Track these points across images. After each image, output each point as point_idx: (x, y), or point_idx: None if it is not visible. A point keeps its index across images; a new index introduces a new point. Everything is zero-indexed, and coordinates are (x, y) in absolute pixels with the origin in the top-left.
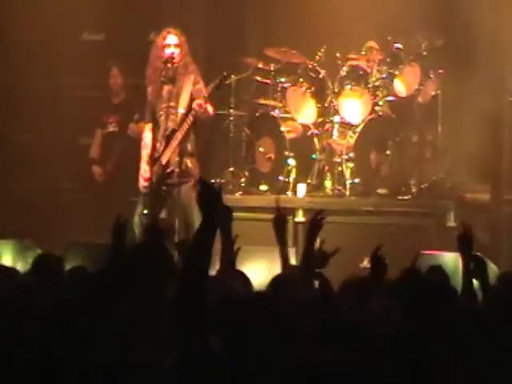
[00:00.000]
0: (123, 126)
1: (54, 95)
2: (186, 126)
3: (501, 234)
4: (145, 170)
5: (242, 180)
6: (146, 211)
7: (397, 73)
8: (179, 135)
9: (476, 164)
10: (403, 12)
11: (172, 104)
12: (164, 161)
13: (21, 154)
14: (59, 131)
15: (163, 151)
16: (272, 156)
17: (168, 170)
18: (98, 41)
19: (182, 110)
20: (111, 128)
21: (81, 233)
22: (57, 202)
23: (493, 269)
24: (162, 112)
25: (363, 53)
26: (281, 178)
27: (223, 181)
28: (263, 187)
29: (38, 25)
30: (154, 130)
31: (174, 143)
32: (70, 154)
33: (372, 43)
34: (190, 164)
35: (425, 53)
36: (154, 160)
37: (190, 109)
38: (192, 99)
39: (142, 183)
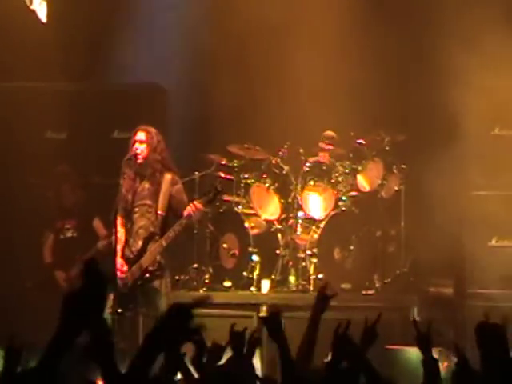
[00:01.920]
0: (81, 231)
1: (20, 194)
2: (172, 234)
3: (464, 328)
4: (121, 263)
5: (206, 276)
6: (120, 310)
7: (360, 168)
8: (164, 242)
9: (439, 258)
10: (366, 107)
11: (148, 202)
12: (145, 264)
13: None
14: (24, 229)
15: (141, 252)
16: (236, 252)
17: (147, 275)
18: (61, 139)
19: (160, 212)
20: (69, 234)
21: (46, 333)
22: (20, 301)
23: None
24: (137, 209)
25: (326, 148)
26: (245, 273)
27: (187, 277)
28: (227, 283)
29: (2, 123)
30: (126, 226)
31: (157, 248)
32: (36, 254)
33: (330, 133)
34: (163, 261)
35: (387, 148)
36: (128, 260)
37: (166, 209)
38: (171, 200)
39: (120, 276)
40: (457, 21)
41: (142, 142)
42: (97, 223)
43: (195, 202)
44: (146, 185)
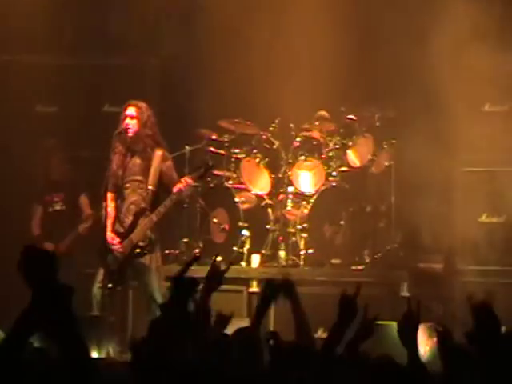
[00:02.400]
0: (69, 204)
1: (9, 167)
2: (163, 210)
3: (454, 304)
4: (112, 237)
5: (197, 251)
6: (110, 284)
7: (350, 143)
8: (155, 217)
9: (429, 234)
10: (356, 83)
11: (139, 178)
12: (135, 240)
13: None
14: (10, 202)
15: (132, 227)
16: (226, 227)
17: (137, 250)
18: (51, 112)
19: (151, 187)
20: (58, 207)
21: None
22: (8, 273)
23: None
24: (128, 185)
25: (316, 123)
26: (235, 248)
27: (177, 251)
28: (218, 258)
29: None
30: (116, 202)
31: (148, 224)
32: (21, 226)
33: (323, 113)
34: (153, 236)
35: (378, 123)
36: (119, 234)
37: (157, 185)
38: (162, 176)
39: (116, 247)
40: None
41: (132, 117)
42: (83, 200)
43: (186, 178)
44: (137, 160)
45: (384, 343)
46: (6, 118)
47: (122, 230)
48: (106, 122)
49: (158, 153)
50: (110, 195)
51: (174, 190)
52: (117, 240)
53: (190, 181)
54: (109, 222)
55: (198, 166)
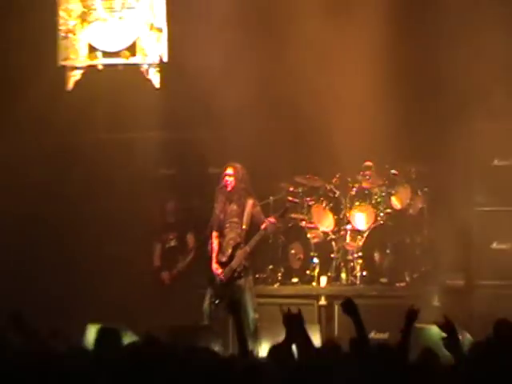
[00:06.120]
0: (181, 241)
1: (139, 215)
2: (254, 243)
3: (473, 313)
4: (216, 267)
5: (279, 274)
6: (217, 301)
7: (393, 192)
8: (248, 249)
9: (453, 258)
10: (397, 144)
11: (235, 220)
12: (234, 266)
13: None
14: (138, 241)
15: (231, 257)
16: (301, 256)
17: (236, 274)
18: (171, 175)
19: (244, 227)
20: (172, 243)
21: (162, 319)
22: (137, 294)
23: (467, 338)
24: (227, 225)
25: (367, 177)
26: (308, 272)
27: (265, 275)
28: (295, 279)
29: (121, 167)
30: (219, 238)
31: (243, 254)
32: (145, 259)
33: (368, 163)
34: (247, 264)
35: (414, 176)
36: (221, 263)
37: (249, 225)
38: (252, 218)
39: (219, 274)
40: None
41: (230, 176)
42: (189, 237)
43: (269, 218)
44: (234, 207)
45: (420, 342)
46: (137, 180)
47: (223, 260)
48: (211, 180)
49: (250, 201)
50: (214, 234)
51: (262, 227)
52: (220, 270)
53: (272, 220)
54: (214, 255)
55: (280, 209)
